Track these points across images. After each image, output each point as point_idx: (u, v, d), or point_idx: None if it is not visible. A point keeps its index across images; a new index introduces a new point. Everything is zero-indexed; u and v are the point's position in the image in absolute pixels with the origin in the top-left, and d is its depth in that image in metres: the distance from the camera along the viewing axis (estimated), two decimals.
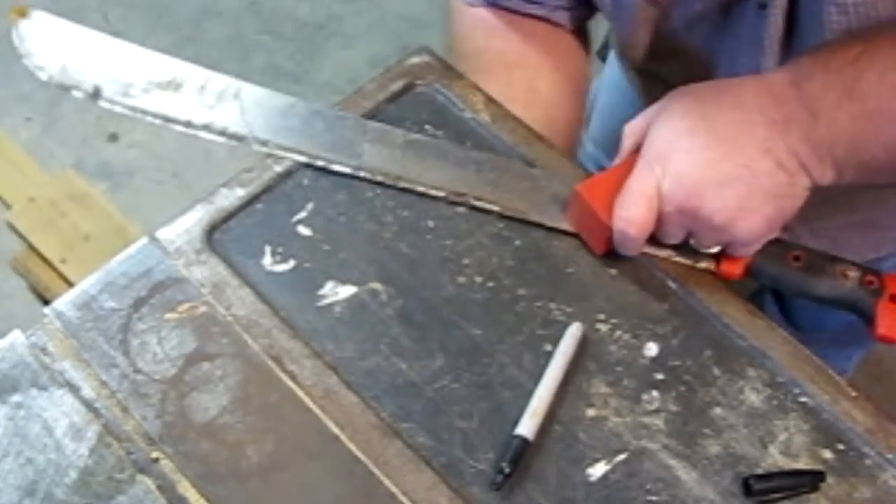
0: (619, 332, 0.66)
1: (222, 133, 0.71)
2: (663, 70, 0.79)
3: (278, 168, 0.72)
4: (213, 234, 0.69)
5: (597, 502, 0.60)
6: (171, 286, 0.66)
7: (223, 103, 0.72)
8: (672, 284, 0.68)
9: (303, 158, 0.71)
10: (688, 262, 0.69)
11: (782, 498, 0.60)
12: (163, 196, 1.81)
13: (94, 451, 0.60)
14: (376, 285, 0.67)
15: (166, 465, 0.60)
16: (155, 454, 0.60)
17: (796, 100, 0.62)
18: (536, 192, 0.71)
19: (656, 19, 0.77)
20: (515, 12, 0.82)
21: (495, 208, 0.71)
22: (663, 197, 0.64)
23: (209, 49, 2.03)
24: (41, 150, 1.83)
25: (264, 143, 0.71)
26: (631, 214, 0.65)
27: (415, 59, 0.78)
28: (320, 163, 0.71)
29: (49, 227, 1.62)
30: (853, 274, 0.67)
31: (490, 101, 0.76)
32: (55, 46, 0.71)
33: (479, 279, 0.68)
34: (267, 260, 0.68)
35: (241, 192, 0.71)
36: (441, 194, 0.71)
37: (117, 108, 0.71)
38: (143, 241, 0.68)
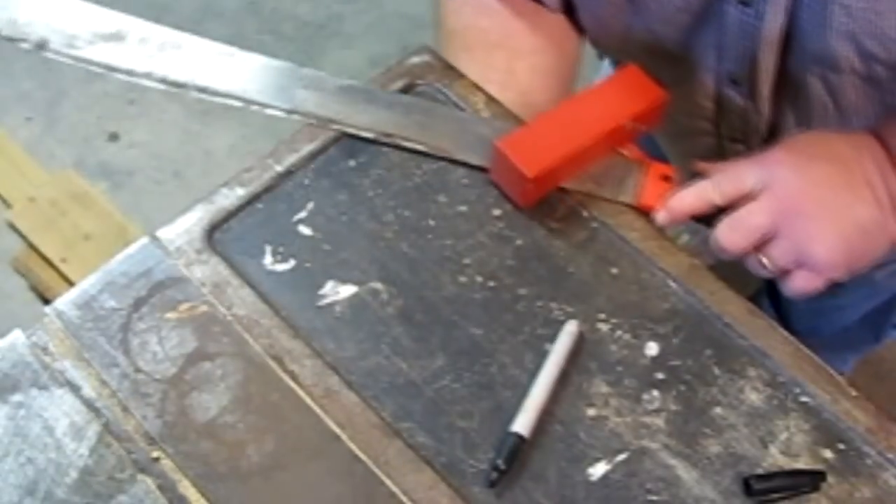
0: (619, 332, 0.66)
1: (163, 81, 0.73)
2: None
3: (279, 168, 0.72)
4: (214, 233, 0.69)
5: (597, 502, 0.60)
6: (171, 286, 0.66)
7: (164, 53, 0.74)
8: (672, 284, 0.68)
9: (238, 103, 0.73)
10: (608, 196, 0.72)
11: (783, 498, 0.60)
12: (163, 196, 1.81)
13: (95, 451, 0.60)
14: (377, 285, 0.67)
15: (167, 464, 0.60)
16: (155, 454, 0.60)
17: None
18: (463, 133, 0.74)
19: (628, 11, 0.77)
20: None
21: (421, 148, 0.73)
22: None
23: None
24: (41, 150, 1.83)
25: (202, 89, 0.73)
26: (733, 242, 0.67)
27: (415, 59, 0.78)
28: (255, 107, 0.73)
29: (49, 226, 1.62)
30: None
31: (491, 100, 0.76)
32: (4, 1, 0.74)
33: (479, 279, 0.68)
34: (267, 259, 0.68)
35: (241, 192, 0.71)
36: (370, 135, 0.73)
37: (62, 59, 0.73)
38: (144, 240, 0.68)
